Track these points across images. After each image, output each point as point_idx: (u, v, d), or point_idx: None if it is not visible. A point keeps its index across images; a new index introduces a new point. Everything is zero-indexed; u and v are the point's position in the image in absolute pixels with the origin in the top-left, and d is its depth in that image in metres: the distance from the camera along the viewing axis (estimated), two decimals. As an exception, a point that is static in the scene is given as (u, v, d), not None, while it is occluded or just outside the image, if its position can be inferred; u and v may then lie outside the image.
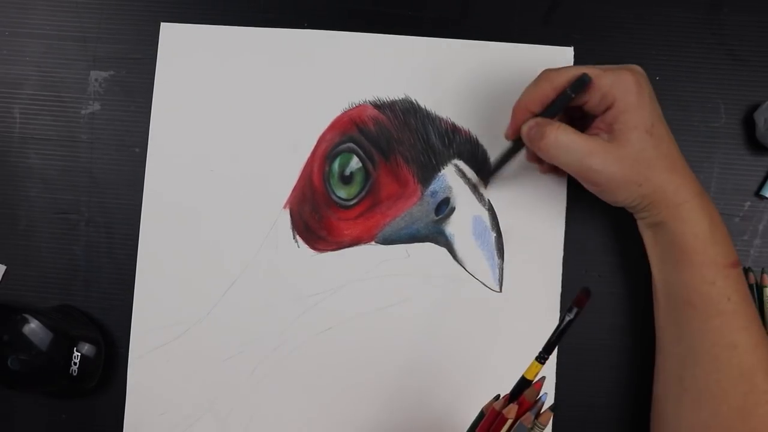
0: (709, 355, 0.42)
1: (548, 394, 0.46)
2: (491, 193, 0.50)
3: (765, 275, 0.49)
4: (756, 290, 0.49)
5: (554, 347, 0.38)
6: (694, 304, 0.43)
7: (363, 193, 0.51)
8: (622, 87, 0.43)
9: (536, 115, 0.45)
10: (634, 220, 0.46)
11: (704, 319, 0.43)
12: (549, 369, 0.50)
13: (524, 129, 0.45)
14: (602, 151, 0.43)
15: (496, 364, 0.50)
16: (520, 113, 0.45)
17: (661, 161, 0.43)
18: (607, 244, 0.51)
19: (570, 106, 0.44)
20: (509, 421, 0.38)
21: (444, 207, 0.50)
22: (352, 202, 0.51)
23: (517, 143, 0.47)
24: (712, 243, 0.43)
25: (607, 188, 0.44)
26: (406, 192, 0.51)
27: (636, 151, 0.43)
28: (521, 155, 0.48)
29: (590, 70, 0.43)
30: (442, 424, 0.50)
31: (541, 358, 0.38)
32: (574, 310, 0.38)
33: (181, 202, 0.51)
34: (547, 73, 0.44)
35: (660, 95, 0.51)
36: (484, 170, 0.50)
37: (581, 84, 0.43)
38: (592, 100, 0.44)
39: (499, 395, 0.40)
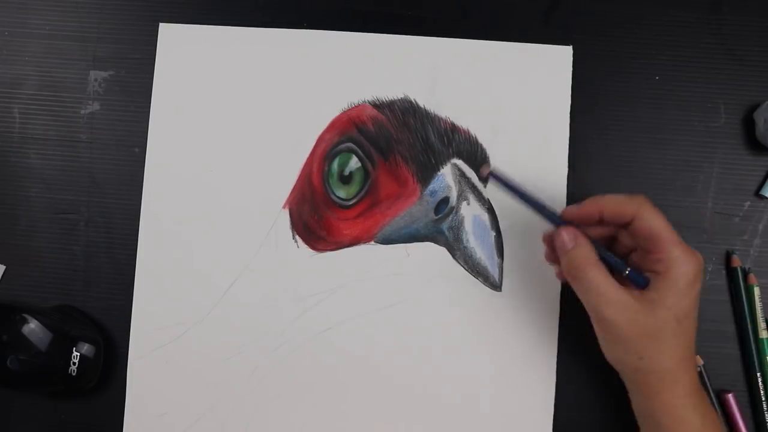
0: None
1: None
2: (491, 193, 0.50)
3: (751, 275, 0.50)
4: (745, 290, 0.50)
5: None
6: None
7: (362, 192, 0.51)
8: (683, 267, 0.41)
9: (609, 223, 0.44)
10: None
11: None
12: (548, 369, 0.50)
13: (566, 237, 0.43)
14: (621, 306, 0.41)
15: (495, 364, 0.50)
16: (591, 212, 0.44)
17: (672, 350, 0.41)
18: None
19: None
20: None
21: (443, 206, 0.50)
22: (351, 202, 0.51)
23: (553, 216, 0.45)
24: None
25: (608, 340, 0.43)
26: (405, 191, 0.51)
27: (655, 329, 0.41)
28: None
29: (668, 234, 0.41)
30: (441, 424, 0.50)
31: None
32: None
33: (180, 202, 0.51)
34: (644, 206, 0.42)
35: (660, 95, 0.51)
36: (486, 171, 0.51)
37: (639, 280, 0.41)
38: (651, 258, 0.42)
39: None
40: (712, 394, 0.49)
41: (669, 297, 0.41)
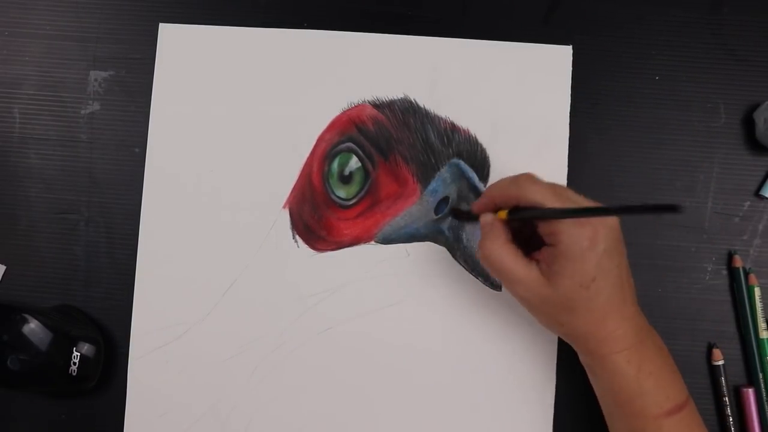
0: None
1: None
2: (491, 193, 0.50)
3: (751, 275, 0.50)
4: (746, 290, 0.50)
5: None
6: None
7: (362, 192, 0.51)
8: (572, 235, 0.40)
9: (504, 209, 0.43)
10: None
11: None
12: (548, 369, 0.50)
13: (486, 219, 0.44)
14: (530, 283, 0.41)
15: (495, 364, 0.50)
16: (487, 202, 0.44)
17: (589, 314, 0.41)
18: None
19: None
20: None
21: (443, 206, 0.50)
22: (351, 202, 0.51)
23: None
24: (640, 394, 0.41)
25: (532, 313, 0.44)
26: (405, 191, 0.51)
27: (565, 299, 0.41)
28: None
29: (550, 206, 0.41)
30: (441, 423, 0.50)
31: None
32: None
33: (180, 203, 0.52)
34: (525, 185, 0.42)
35: (660, 95, 0.51)
36: (483, 173, 0.51)
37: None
38: (544, 232, 0.42)
39: None
40: (725, 391, 0.49)
41: (567, 266, 0.40)
